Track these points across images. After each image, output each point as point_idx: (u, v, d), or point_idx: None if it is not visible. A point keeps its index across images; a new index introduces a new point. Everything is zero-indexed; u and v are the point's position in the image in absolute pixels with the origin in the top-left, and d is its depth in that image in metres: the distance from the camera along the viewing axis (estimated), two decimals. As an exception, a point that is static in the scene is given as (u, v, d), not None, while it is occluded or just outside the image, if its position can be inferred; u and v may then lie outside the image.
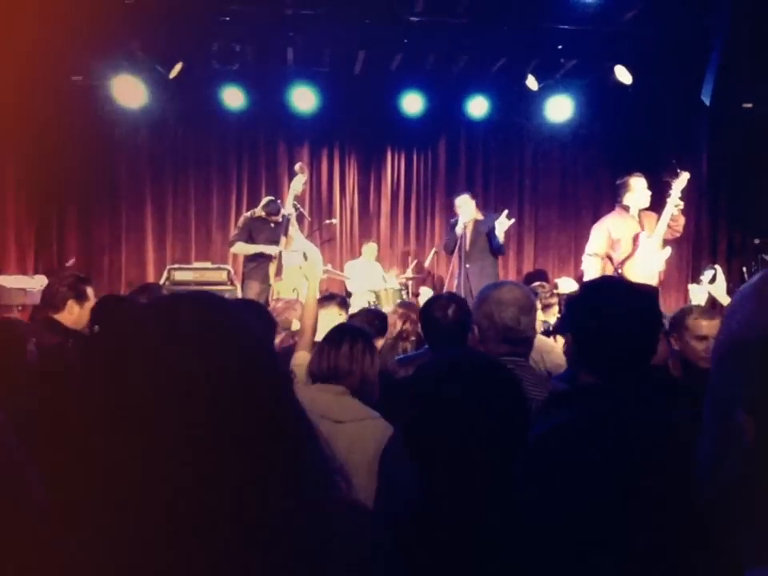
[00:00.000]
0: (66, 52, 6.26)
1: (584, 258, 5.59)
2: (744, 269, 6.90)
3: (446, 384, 1.20)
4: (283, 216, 6.43)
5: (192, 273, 6.94)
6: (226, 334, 0.82)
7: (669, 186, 5.30)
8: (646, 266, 5.26)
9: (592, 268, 5.44)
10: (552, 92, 7.35)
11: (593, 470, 1.32)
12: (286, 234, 6.29)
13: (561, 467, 1.33)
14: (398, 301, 6.16)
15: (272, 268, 6.30)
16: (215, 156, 7.90)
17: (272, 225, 6.50)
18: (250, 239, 6.43)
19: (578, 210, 8.47)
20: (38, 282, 5.81)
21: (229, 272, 7.08)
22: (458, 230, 6.14)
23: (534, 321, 2.17)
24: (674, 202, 5.24)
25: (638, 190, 5.40)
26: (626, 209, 5.44)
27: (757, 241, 7.20)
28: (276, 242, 6.31)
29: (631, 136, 7.98)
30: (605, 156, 8.35)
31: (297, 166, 6.47)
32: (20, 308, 5.57)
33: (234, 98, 7.17)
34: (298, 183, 6.39)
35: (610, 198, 8.48)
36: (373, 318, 3.50)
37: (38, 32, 5.56)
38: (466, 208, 6.27)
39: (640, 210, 5.45)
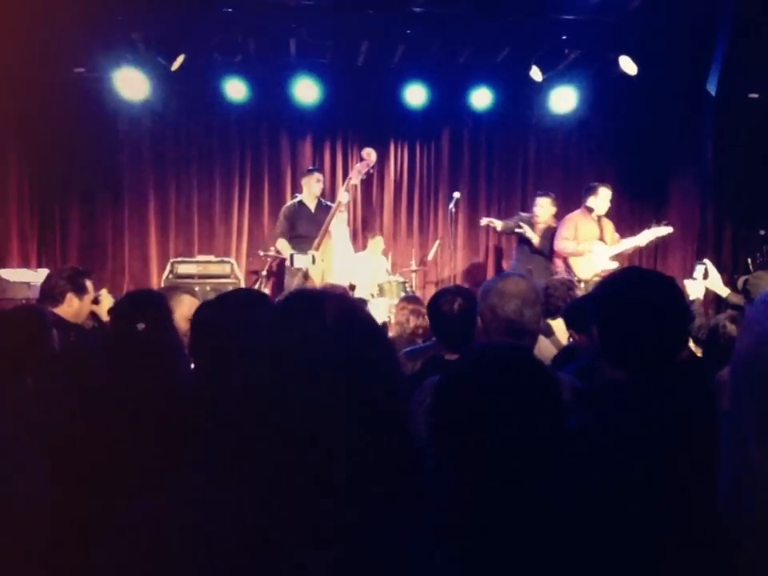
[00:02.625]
0: (68, 44, 6.23)
1: (559, 243, 6.24)
2: (749, 260, 6.87)
3: (480, 378, 1.19)
4: (327, 206, 6.41)
5: (195, 266, 6.94)
6: (369, 325, 0.91)
7: (649, 224, 6.19)
8: (589, 269, 6.08)
9: (569, 248, 6.17)
10: (556, 83, 7.31)
11: (622, 469, 1.30)
12: (327, 224, 6.10)
13: (589, 467, 1.31)
14: (402, 294, 6.15)
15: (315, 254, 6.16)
16: (217, 148, 7.87)
17: (312, 211, 6.48)
18: (292, 229, 6.43)
19: (581, 201, 8.43)
20: (41, 276, 5.77)
21: (232, 265, 7.08)
22: (528, 233, 6.45)
23: (539, 314, 2.14)
24: (643, 242, 6.13)
25: (602, 198, 6.25)
26: (590, 210, 6.27)
27: (762, 232, 7.17)
28: (315, 231, 6.21)
29: (636, 127, 7.93)
30: (609, 147, 8.30)
31: (364, 152, 6.39)
32: (24, 301, 5.55)
33: (236, 90, 7.14)
34: (361, 171, 6.32)
35: (614, 190, 8.47)
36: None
37: (41, 24, 5.54)
38: (546, 210, 6.56)
39: (599, 216, 6.28)
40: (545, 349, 3.40)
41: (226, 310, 1.94)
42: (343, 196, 6.19)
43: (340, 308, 0.87)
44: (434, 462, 1.21)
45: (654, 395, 1.45)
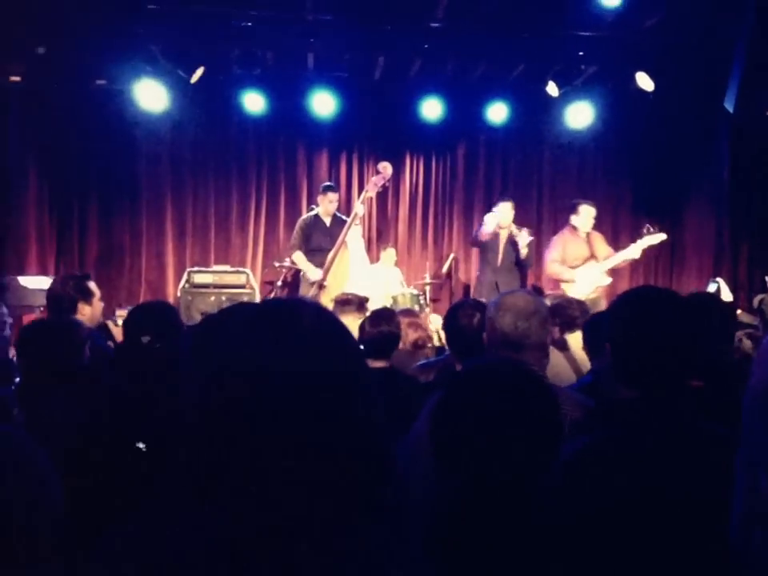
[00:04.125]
0: (90, 56, 6.33)
1: (549, 264, 6.38)
2: (766, 278, 6.81)
3: (479, 392, 1.19)
4: (342, 219, 6.47)
5: (211, 276, 7.00)
6: (342, 336, 0.88)
7: (641, 234, 6.21)
8: (580, 286, 6.10)
9: (556, 270, 6.31)
10: (572, 98, 7.31)
11: (633, 489, 1.29)
12: (344, 235, 6.12)
13: (600, 486, 1.30)
14: (416, 307, 6.15)
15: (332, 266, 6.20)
16: (235, 159, 7.95)
17: (327, 225, 6.53)
18: (308, 241, 6.49)
19: (597, 217, 8.41)
20: (59, 284, 5.85)
21: (247, 275, 7.12)
22: (489, 228, 6.32)
23: (540, 327, 2.10)
24: (636, 253, 6.14)
25: (583, 216, 6.28)
26: (575, 229, 6.34)
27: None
28: (330, 245, 6.25)
29: (652, 143, 7.91)
30: (625, 163, 8.29)
31: (380, 165, 6.46)
32: (42, 309, 5.61)
33: (254, 102, 7.21)
34: (377, 183, 6.38)
35: (629, 206, 8.45)
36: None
37: (63, 37, 5.64)
38: (506, 215, 6.50)
39: (588, 232, 6.34)
40: (557, 364, 3.38)
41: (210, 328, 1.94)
42: (359, 208, 6.23)
43: (316, 318, 0.85)
44: (435, 477, 1.22)
45: (666, 415, 1.44)
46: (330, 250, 6.19)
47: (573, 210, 6.40)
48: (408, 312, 4.23)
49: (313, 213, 6.69)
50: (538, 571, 1.09)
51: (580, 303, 3.72)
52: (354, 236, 6.20)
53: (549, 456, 1.18)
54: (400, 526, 0.83)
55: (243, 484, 0.77)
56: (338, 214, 6.69)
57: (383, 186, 6.52)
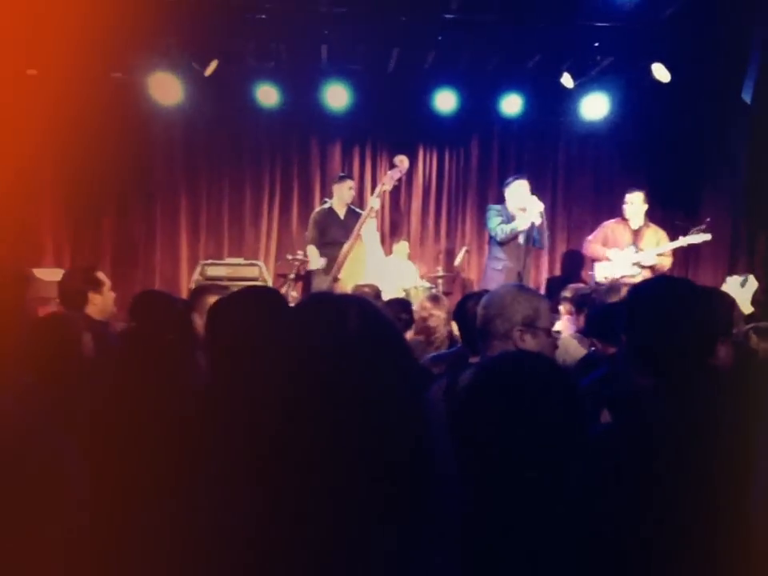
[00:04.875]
0: (106, 49, 6.36)
1: (585, 244, 6.51)
2: (783, 271, 6.74)
3: (500, 386, 1.19)
4: (356, 212, 6.44)
5: (225, 268, 7.02)
6: (391, 332, 0.89)
7: (687, 231, 6.23)
8: (610, 268, 6.20)
9: (591, 248, 6.43)
10: (588, 90, 7.26)
11: (651, 477, 1.29)
12: (359, 228, 6.11)
13: (612, 475, 1.30)
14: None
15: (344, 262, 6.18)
16: (248, 152, 7.96)
17: (341, 218, 6.51)
18: (322, 235, 6.46)
19: (612, 209, 8.30)
20: (75, 276, 5.89)
21: (260, 268, 7.15)
22: (533, 221, 5.69)
23: (506, 322, 2.02)
24: (679, 245, 6.19)
25: (630, 204, 6.32)
26: (625, 220, 6.36)
27: (796, 242, 7.04)
28: (344, 237, 6.24)
29: (668, 134, 7.84)
30: (641, 155, 8.22)
31: (396, 159, 6.41)
32: (58, 301, 5.65)
33: (268, 95, 7.21)
34: (393, 177, 6.35)
35: (645, 198, 8.38)
36: (399, 310, 3.51)
37: (79, 29, 5.66)
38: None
39: (643, 226, 6.33)
40: (574, 350, 3.38)
41: (243, 308, 1.93)
42: (375, 202, 6.22)
43: (363, 314, 0.85)
44: (454, 470, 1.21)
45: (683, 401, 1.44)
46: (344, 242, 6.19)
47: (624, 201, 6.41)
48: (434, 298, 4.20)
49: (327, 205, 6.68)
50: (565, 558, 1.09)
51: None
52: (369, 229, 6.20)
53: (573, 444, 1.17)
54: (431, 528, 0.83)
55: (286, 474, 0.77)
56: (352, 207, 6.68)
57: (399, 179, 6.50)
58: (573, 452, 1.17)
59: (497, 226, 5.99)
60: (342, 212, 6.59)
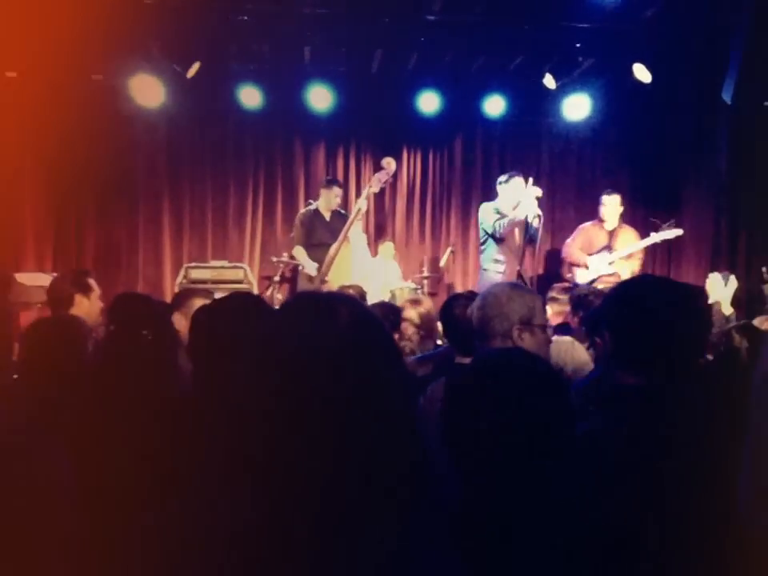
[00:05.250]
0: (87, 51, 6.31)
1: (564, 247, 6.53)
2: (764, 269, 6.82)
3: (490, 380, 1.19)
4: (342, 213, 6.41)
5: (209, 271, 6.99)
6: (381, 330, 0.88)
7: (658, 227, 6.26)
8: (588, 273, 6.26)
9: (569, 252, 6.46)
10: (570, 91, 7.31)
11: (633, 475, 1.30)
12: (346, 230, 6.07)
13: (598, 474, 1.30)
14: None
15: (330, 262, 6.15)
16: (232, 155, 7.93)
17: (326, 219, 6.47)
18: (309, 236, 6.43)
19: (594, 209, 8.32)
20: (57, 280, 5.83)
21: (245, 270, 7.12)
22: (528, 217, 5.53)
23: (504, 320, 2.04)
24: (651, 241, 6.25)
25: (605, 206, 6.42)
26: (601, 221, 6.45)
27: (777, 240, 7.13)
28: (330, 239, 6.23)
29: (650, 135, 7.91)
30: (623, 155, 8.29)
31: (384, 161, 6.37)
32: (39, 305, 5.60)
33: (250, 97, 7.18)
34: (380, 179, 6.30)
35: (627, 197, 8.43)
36: (387, 313, 3.51)
37: (59, 31, 5.61)
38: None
39: (616, 227, 6.42)
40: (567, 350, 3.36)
41: (227, 312, 1.95)
42: (362, 204, 6.20)
43: (352, 312, 0.85)
44: (445, 466, 1.21)
45: (666, 400, 1.45)
46: (330, 244, 6.18)
47: (599, 203, 6.52)
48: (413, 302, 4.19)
49: (312, 207, 6.66)
50: (555, 554, 1.09)
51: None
52: (356, 231, 6.19)
53: (562, 440, 1.18)
54: (431, 522, 0.82)
55: (282, 474, 0.77)
56: (338, 209, 6.67)
57: (387, 181, 6.48)
58: (561, 446, 1.18)
59: (495, 222, 5.71)
60: (327, 214, 6.58)
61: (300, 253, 6.44)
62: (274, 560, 0.74)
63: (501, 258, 5.78)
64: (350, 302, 0.87)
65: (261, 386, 0.79)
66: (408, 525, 0.78)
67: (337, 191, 6.58)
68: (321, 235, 6.42)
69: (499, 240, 5.78)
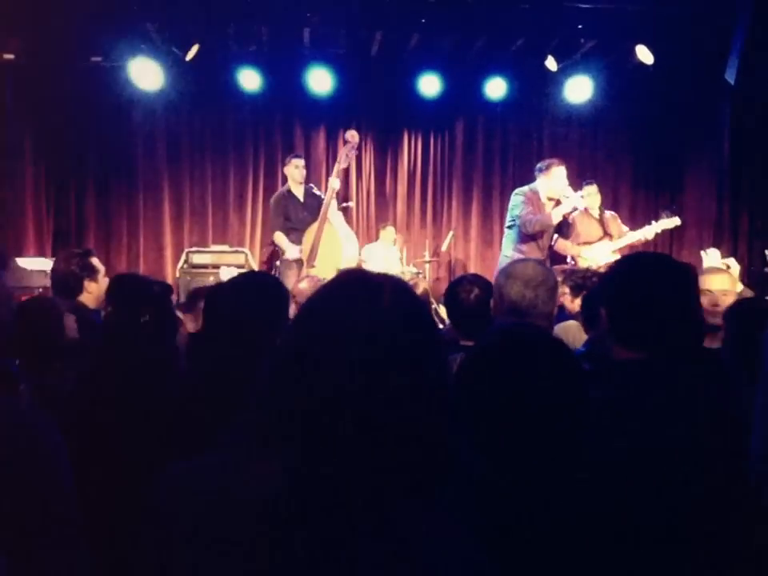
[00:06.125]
0: (85, 33, 6.26)
1: (556, 241, 5.88)
2: (766, 251, 6.81)
3: (505, 356, 1.19)
4: (315, 194, 6.35)
5: (210, 256, 6.98)
6: (424, 310, 0.91)
7: (658, 216, 6.15)
8: (589, 263, 5.89)
9: (561, 245, 6.01)
10: (571, 73, 7.25)
11: (632, 450, 1.30)
12: (324, 212, 5.97)
13: (604, 444, 1.31)
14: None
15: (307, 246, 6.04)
16: (231, 138, 7.89)
17: (301, 200, 6.38)
18: (286, 219, 6.33)
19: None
20: (58, 265, 5.83)
21: (246, 255, 7.11)
22: (567, 209, 5.33)
23: (547, 297, 2.15)
24: (650, 234, 6.05)
25: (586, 195, 6.09)
26: (586, 209, 6.17)
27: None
28: (308, 219, 6.14)
29: (652, 116, 7.87)
30: (625, 137, 8.25)
31: (348, 134, 6.29)
32: (40, 290, 5.61)
33: (250, 80, 7.14)
34: (347, 154, 6.22)
35: (629, 179, 8.43)
36: None
37: (58, 13, 5.57)
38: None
39: (601, 213, 6.28)
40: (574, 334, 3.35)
41: (246, 291, 1.98)
42: (335, 182, 6.11)
43: (397, 292, 0.86)
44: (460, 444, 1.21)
45: (664, 373, 1.46)
46: (308, 225, 6.09)
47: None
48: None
49: (285, 188, 6.51)
50: (573, 531, 1.10)
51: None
52: (332, 211, 6.14)
53: (577, 419, 1.17)
54: (454, 508, 0.83)
55: (312, 447, 0.78)
56: (311, 188, 6.52)
57: (352, 155, 6.40)
58: (579, 414, 1.18)
59: (525, 216, 5.28)
60: (299, 194, 6.40)
61: (280, 238, 6.28)
62: (300, 533, 0.75)
63: (524, 248, 5.41)
64: (391, 279, 0.90)
65: (308, 362, 0.81)
66: (436, 499, 0.80)
67: (296, 162, 6.40)
68: (297, 215, 6.28)
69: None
